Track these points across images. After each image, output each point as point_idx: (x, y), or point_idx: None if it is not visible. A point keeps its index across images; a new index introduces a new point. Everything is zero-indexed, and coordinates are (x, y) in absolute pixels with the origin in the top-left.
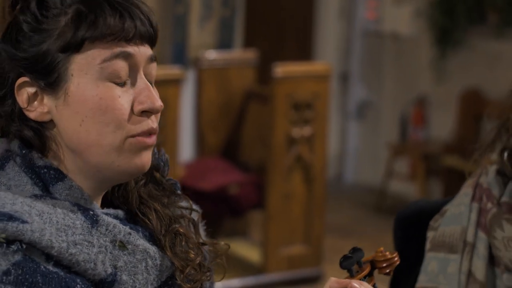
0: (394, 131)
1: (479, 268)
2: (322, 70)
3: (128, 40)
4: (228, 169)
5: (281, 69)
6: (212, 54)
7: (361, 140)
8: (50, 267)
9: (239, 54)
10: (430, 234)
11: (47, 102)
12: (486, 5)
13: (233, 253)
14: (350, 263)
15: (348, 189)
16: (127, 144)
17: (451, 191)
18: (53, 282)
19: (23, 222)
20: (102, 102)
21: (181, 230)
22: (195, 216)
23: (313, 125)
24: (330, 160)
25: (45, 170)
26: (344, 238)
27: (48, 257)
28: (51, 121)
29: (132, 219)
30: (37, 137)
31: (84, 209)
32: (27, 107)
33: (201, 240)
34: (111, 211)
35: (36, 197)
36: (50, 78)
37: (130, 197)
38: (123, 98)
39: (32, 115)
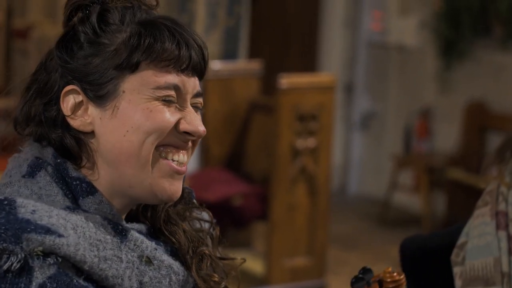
0: (398, 143)
1: None
2: (327, 81)
3: (181, 70)
4: (232, 180)
5: (286, 80)
6: (216, 65)
7: (365, 151)
8: (82, 281)
9: (244, 64)
10: (457, 270)
11: (92, 112)
12: (491, 17)
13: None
14: (362, 285)
15: (352, 201)
16: (157, 161)
17: (455, 204)
18: None
19: (60, 236)
20: (151, 114)
21: (207, 253)
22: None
23: (318, 137)
24: (334, 171)
25: (78, 182)
26: (348, 250)
27: (79, 271)
28: (91, 132)
29: (154, 234)
30: (76, 147)
31: (114, 224)
32: (71, 115)
33: (219, 255)
34: (135, 225)
35: (69, 209)
36: (101, 92)
37: (158, 215)
38: (170, 114)
39: (74, 123)
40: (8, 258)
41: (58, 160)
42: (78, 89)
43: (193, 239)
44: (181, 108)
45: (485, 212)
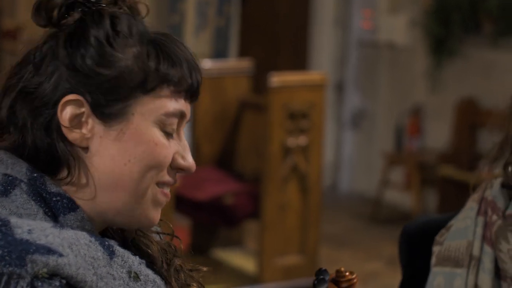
0: (389, 141)
1: (485, 282)
2: (318, 79)
3: (189, 97)
4: (223, 179)
5: (276, 79)
6: (207, 64)
7: (356, 149)
8: None
9: (234, 63)
10: (435, 249)
11: (93, 128)
12: (481, 15)
13: (228, 263)
14: (325, 286)
15: (343, 199)
16: (155, 195)
17: (446, 201)
18: None
19: (61, 255)
20: (156, 148)
21: (180, 264)
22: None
23: (309, 135)
24: (325, 170)
25: (58, 198)
26: (340, 248)
27: None
28: (86, 148)
29: (127, 248)
30: (69, 158)
31: (100, 240)
32: (69, 127)
33: (187, 267)
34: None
35: (59, 227)
36: (110, 110)
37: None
38: (170, 149)
39: (71, 136)
40: (17, 283)
41: (34, 175)
42: (83, 101)
43: (165, 251)
44: (177, 136)
45: (475, 197)
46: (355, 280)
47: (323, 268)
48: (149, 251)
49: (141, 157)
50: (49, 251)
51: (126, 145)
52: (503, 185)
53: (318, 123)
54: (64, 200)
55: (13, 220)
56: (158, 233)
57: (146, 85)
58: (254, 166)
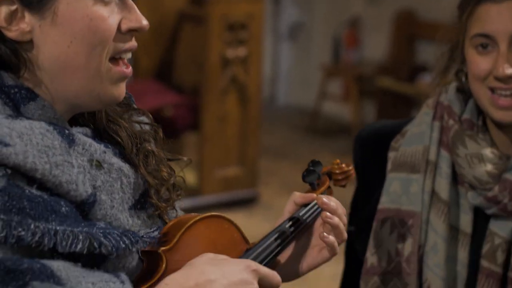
0: (326, 53)
1: (443, 187)
2: None
3: None
4: (162, 91)
5: None
6: None
7: (293, 61)
8: (34, 191)
9: None
10: (391, 155)
11: (30, 20)
12: None
13: None
14: (314, 177)
15: (281, 111)
16: (109, 71)
17: (384, 112)
18: (39, 206)
19: (6, 145)
20: (92, 24)
21: (151, 149)
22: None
23: (248, 46)
24: (263, 82)
25: (16, 89)
26: (278, 160)
27: (31, 181)
28: (30, 41)
29: (99, 137)
30: (13, 57)
31: (60, 129)
32: (6, 26)
33: (166, 156)
34: (80, 129)
35: (11, 117)
36: None
37: (97, 115)
38: (111, 18)
39: (11, 34)
40: None
41: None
42: None
43: (135, 136)
44: (119, 2)
45: (429, 102)
46: (351, 172)
47: (316, 160)
48: (117, 137)
49: (80, 36)
50: None
51: (63, 27)
52: (458, 90)
53: (257, 34)
54: (23, 91)
55: None
56: (138, 122)
57: None
58: (193, 78)
